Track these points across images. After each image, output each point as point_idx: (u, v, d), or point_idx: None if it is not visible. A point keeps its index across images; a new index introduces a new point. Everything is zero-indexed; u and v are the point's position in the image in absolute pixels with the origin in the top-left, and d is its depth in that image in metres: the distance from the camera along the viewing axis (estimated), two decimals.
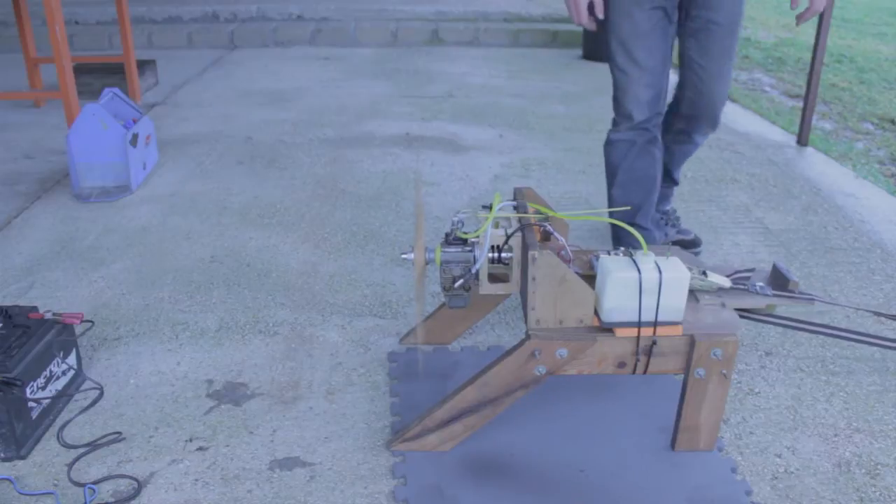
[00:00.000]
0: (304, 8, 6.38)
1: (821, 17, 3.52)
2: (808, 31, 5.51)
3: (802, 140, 3.76)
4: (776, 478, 1.60)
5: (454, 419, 1.60)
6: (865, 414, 1.80)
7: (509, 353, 1.55)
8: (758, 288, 1.73)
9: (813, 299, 1.77)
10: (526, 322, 1.56)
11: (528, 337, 1.53)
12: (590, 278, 1.58)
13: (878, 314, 2.07)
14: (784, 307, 1.98)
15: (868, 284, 2.38)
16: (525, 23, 6.34)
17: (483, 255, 1.63)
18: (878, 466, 1.64)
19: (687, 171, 3.28)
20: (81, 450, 1.65)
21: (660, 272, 1.48)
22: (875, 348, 1.99)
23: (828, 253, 2.58)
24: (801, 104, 4.03)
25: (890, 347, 1.91)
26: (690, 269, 1.54)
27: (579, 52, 5.75)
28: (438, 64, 5.41)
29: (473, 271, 1.64)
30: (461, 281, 1.64)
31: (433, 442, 1.62)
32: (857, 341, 1.88)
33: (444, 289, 1.66)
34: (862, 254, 2.58)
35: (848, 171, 3.50)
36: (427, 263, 1.63)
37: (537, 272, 1.48)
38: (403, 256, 1.65)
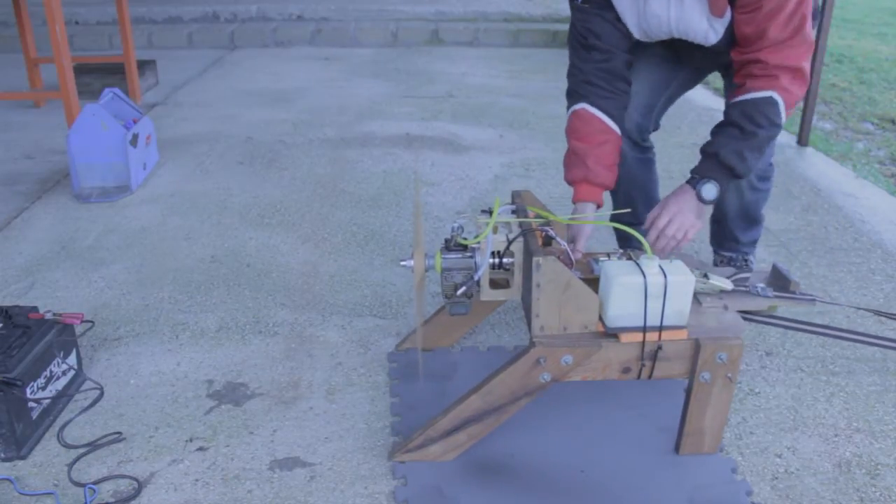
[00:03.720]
0: (304, 8, 6.38)
1: (821, 17, 3.52)
2: None
3: (802, 140, 3.76)
4: (776, 478, 1.60)
5: (457, 428, 1.58)
6: (865, 414, 1.80)
7: (513, 360, 1.53)
8: (759, 289, 1.73)
9: (814, 300, 1.77)
10: (530, 329, 1.55)
11: (532, 344, 1.51)
12: (591, 282, 1.57)
13: (879, 314, 2.07)
14: (785, 307, 1.98)
15: (868, 284, 2.38)
16: (525, 23, 6.34)
17: (485, 262, 1.61)
18: (879, 466, 1.64)
19: (687, 172, 3.27)
20: (81, 450, 1.66)
21: (665, 276, 1.46)
22: (875, 348, 1.99)
23: (828, 253, 2.58)
24: (800, 104, 4.02)
25: (890, 347, 1.91)
26: (692, 272, 1.54)
27: None
28: (438, 64, 5.41)
29: (476, 278, 1.62)
30: (464, 289, 1.62)
31: (436, 452, 1.60)
32: (857, 341, 1.88)
33: (445, 296, 1.65)
34: (862, 254, 2.58)
35: (848, 171, 3.50)
36: (427, 270, 1.61)
37: (542, 279, 1.46)
38: (402, 264, 1.62)
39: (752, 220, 2.19)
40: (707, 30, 1.74)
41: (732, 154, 1.71)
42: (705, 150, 1.76)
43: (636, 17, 1.79)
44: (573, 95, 1.89)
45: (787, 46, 1.65)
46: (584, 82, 1.85)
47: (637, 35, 1.84)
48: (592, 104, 1.84)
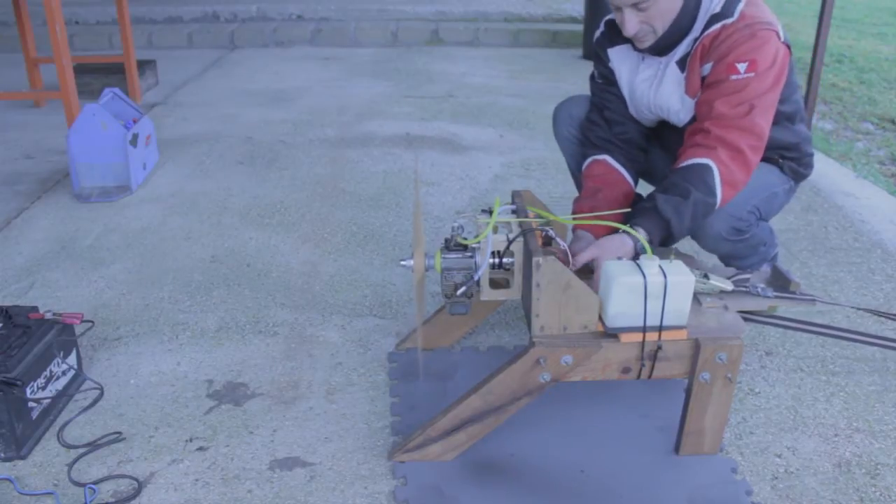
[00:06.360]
0: (304, 8, 6.38)
1: (821, 17, 3.52)
2: (809, 31, 5.51)
3: None
4: (776, 478, 1.60)
5: (457, 428, 1.58)
6: (865, 414, 1.80)
7: (513, 360, 1.53)
8: (759, 290, 1.73)
9: (814, 300, 1.76)
10: (529, 329, 1.55)
11: (532, 344, 1.51)
12: (585, 273, 1.57)
13: (879, 314, 2.07)
14: (785, 307, 1.98)
15: (868, 284, 2.38)
16: (525, 23, 6.34)
17: (485, 262, 1.61)
18: (879, 466, 1.64)
19: None
20: (81, 450, 1.66)
21: (664, 276, 1.46)
22: (875, 348, 1.99)
23: (828, 253, 2.58)
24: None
25: (890, 347, 1.91)
26: (692, 272, 1.53)
27: (579, 52, 5.74)
28: (438, 64, 5.41)
29: (476, 278, 1.62)
30: (463, 289, 1.62)
31: (436, 452, 1.60)
32: (857, 341, 1.88)
33: (445, 296, 1.65)
34: (862, 254, 2.58)
35: (848, 171, 3.50)
36: (427, 270, 1.61)
37: (542, 279, 1.46)
38: (402, 263, 1.62)
39: (742, 257, 2.05)
40: (679, 110, 1.83)
41: (669, 207, 1.68)
42: (643, 205, 1.73)
43: (628, 93, 1.92)
44: (593, 147, 1.99)
45: (732, 125, 1.69)
46: (606, 140, 1.97)
47: (632, 111, 1.95)
48: (615, 158, 1.95)
